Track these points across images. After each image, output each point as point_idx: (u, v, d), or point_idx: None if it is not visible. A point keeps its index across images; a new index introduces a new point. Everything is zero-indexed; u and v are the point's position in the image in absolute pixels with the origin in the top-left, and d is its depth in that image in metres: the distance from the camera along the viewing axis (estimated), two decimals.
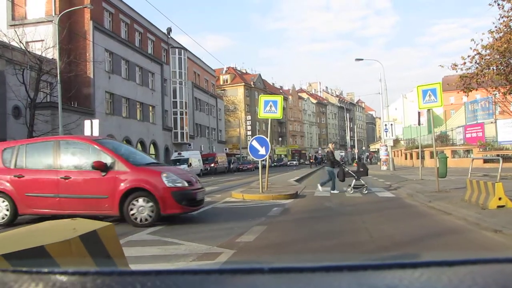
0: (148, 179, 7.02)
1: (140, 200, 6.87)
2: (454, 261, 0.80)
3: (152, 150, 38.79)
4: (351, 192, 12.00)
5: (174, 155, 34.94)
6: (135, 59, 35.10)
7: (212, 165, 39.66)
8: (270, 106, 11.92)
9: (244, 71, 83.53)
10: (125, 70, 33.80)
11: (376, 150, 53.00)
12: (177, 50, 43.45)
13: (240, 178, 27.10)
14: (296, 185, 15.75)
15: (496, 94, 18.68)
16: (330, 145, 13.49)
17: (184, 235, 5.91)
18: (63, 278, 0.76)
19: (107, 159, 7.08)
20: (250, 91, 77.13)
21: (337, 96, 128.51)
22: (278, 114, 12.05)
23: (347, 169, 12.55)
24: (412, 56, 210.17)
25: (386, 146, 30.65)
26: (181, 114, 43.54)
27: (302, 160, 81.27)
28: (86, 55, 28.45)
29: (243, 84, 73.93)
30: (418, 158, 36.01)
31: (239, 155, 62.66)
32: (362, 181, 12.18)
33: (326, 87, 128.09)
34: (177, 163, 32.82)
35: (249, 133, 74.65)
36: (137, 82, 35.66)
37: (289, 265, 0.87)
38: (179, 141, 43.20)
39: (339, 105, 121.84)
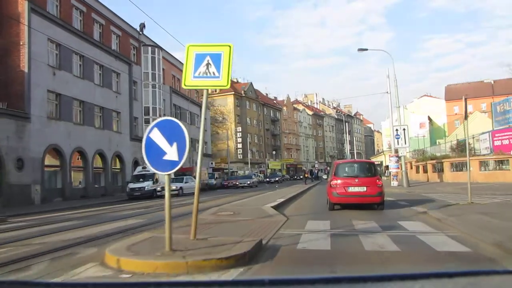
0: None
1: None
2: (454, 272, 0.77)
3: (116, 164, 32.63)
4: None
5: (138, 170, 28.56)
6: (94, 54, 29.09)
7: None
8: (207, 65, 5.90)
9: (235, 80, 77.64)
10: (78, 67, 27.82)
11: (379, 163, 46.98)
12: (150, 48, 37.55)
13: (213, 199, 20.97)
14: (273, 215, 9.40)
15: None
16: None
17: None
18: None
19: None
20: (241, 101, 71.15)
21: (334, 108, 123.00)
22: (222, 81, 5.76)
23: None
24: (407, 71, 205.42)
25: (398, 157, 24.50)
26: None
27: (297, 175, 75.02)
28: (19, 45, 22.60)
29: (233, 93, 67.92)
30: (434, 172, 30.04)
31: (228, 170, 56.48)
32: None
33: (323, 99, 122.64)
34: (140, 179, 26.69)
35: (240, 145, 68.62)
36: (95, 82, 29.66)
37: (289, 277, 0.81)
38: None
39: (336, 117, 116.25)
